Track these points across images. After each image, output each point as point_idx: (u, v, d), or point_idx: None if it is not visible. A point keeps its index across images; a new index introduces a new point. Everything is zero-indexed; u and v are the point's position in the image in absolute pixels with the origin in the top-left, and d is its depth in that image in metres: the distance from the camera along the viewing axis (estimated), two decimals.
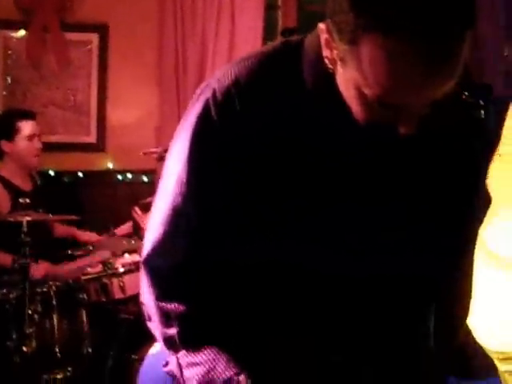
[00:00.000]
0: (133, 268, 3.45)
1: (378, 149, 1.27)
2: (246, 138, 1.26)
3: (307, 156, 1.26)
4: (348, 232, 1.30)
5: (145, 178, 4.63)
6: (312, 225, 1.28)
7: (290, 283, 1.31)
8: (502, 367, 2.06)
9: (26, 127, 3.88)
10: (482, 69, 4.30)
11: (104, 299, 3.41)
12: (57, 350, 3.22)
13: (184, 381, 1.28)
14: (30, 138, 3.88)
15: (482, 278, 2.25)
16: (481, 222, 1.47)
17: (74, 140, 4.68)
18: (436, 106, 1.15)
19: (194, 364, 1.27)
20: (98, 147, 4.71)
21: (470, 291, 1.50)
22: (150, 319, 1.36)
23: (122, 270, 3.41)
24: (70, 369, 3.23)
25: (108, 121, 4.69)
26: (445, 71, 1.09)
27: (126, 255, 3.62)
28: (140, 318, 3.51)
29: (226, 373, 1.25)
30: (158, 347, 1.54)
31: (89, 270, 3.46)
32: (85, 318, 3.31)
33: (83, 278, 3.33)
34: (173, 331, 1.30)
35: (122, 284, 3.39)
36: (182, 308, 1.29)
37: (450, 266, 1.40)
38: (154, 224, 1.33)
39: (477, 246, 1.49)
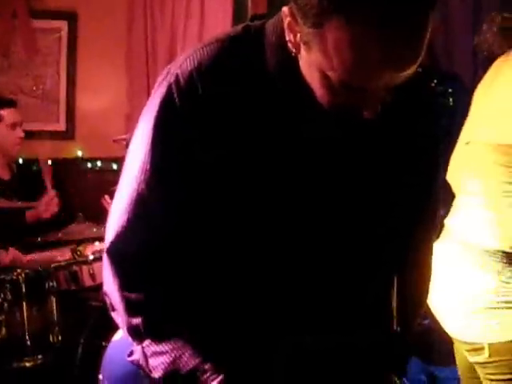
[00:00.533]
0: (102, 255, 3.43)
1: (342, 133, 1.28)
2: (209, 123, 1.26)
3: (271, 140, 1.27)
4: (309, 214, 1.31)
5: (114, 166, 4.60)
6: (275, 208, 1.29)
7: (253, 270, 1.32)
8: (470, 359, 2.09)
9: (9, 116, 3.85)
10: (452, 57, 4.33)
11: (74, 287, 3.38)
12: (27, 338, 3.20)
13: (150, 370, 1.27)
14: (13, 126, 3.85)
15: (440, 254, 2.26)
16: (438, 202, 1.51)
17: (43, 128, 4.65)
18: (402, 91, 1.16)
19: (160, 353, 1.26)
20: (68, 135, 4.69)
21: (429, 270, 1.54)
22: (113, 309, 1.35)
23: (91, 257, 3.39)
24: (40, 357, 3.22)
25: (77, 109, 4.67)
26: (407, 55, 1.10)
27: (96, 243, 3.61)
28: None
29: (192, 361, 1.25)
30: (121, 333, 1.54)
31: (58, 257, 3.43)
32: (55, 306, 3.29)
33: (52, 265, 3.31)
34: (137, 321, 1.28)
35: (91, 271, 3.38)
36: (146, 297, 1.29)
37: (408, 245, 1.43)
38: (117, 212, 1.32)
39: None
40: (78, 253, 3.38)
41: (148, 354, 1.27)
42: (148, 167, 1.28)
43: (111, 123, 4.52)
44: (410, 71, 1.12)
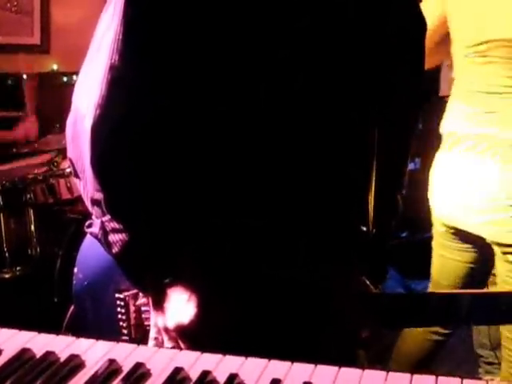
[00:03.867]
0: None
1: None
2: None
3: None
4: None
5: None
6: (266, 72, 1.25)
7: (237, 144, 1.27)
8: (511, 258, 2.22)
9: None
10: None
11: (51, 200, 3.37)
12: (5, 249, 3.23)
13: (108, 245, 1.25)
14: None
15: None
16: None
17: (18, 41, 4.56)
18: None
19: (119, 230, 1.24)
20: (42, 48, 4.60)
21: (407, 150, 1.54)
22: (76, 175, 1.31)
23: (68, 170, 3.37)
24: (18, 268, 3.25)
25: (52, 22, 4.57)
26: None
27: None
28: (88, 219, 3.51)
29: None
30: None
31: (35, 170, 3.41)
32: (32, 219, 3.30)
33: (29, 176, 3.29)
34: (99, 196, 1.24)
35: (68, 184, 3.36)
36: (117, 172, 1.24)
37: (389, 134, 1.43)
38: (92, 87, 1.24)
39: None
40: (55, 163, 3.36)
41: (107, 229, 1.25)
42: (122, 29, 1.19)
43: (87, 36, 4.38)
44: None
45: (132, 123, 1.23)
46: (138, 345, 1.08)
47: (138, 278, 1.30)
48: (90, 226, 1.30)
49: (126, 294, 1.41)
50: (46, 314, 3.04)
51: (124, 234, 1.24)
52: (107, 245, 1.26)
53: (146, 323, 1.39)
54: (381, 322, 1.36)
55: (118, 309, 1.42)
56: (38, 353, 1.04)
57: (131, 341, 1.38)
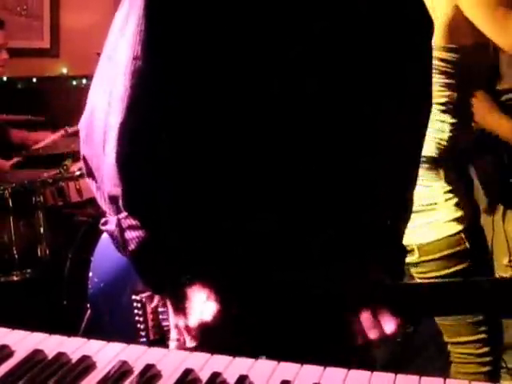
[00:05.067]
0: None
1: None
2: None
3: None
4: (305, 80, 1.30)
5: None
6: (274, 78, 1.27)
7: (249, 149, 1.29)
8: None
9: None
10: None
11: (61, 203, 3.39)
12: (14, 252, 3.24)
13: (124, 242, 1.26)
14: None
15: None
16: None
17: (27, 45, 4.59)
18: None
19: (136, 227, 1.25)
20: (52, 52, 4.63)
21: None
22: (90, 174, 1.32)
23: (78, 173, 3.39)
24: (28, 271, 3.26)
25: (61, 25, 4.60)
26: None
27: None
28: (97, 221, 3.53)
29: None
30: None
31: (44, 174, 3.43)
32: (42, 221, 3.31)
33: (39, 180, 3.31)
34: (117, 192, 1.25)
35: (78, 187, 3.38)
36: (137, 169, 1.26)
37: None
38: (114, 85, 1.26)
39: None
40: (65, 167, 3.38)
41: (124, 226, 1.26)
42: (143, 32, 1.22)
43: (96, 40, 4.41)
44: None
45: (159, 113, 1.25)
46: (156, 346, 1.08)
47: (152, 277, 1.30)
48: (105, 223, 1.30)
49: (143, 295, 1.41)
50: (56, 317, 3.06)
51: (141, 231, 1.25)
52: (123, 242, 1.26)
53: (163, 324, 1.39)
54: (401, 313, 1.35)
55: (135, 311, 1.42)
56: (50, 354, 1.05)
57: (149, 343, 1.38)
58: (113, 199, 1.26)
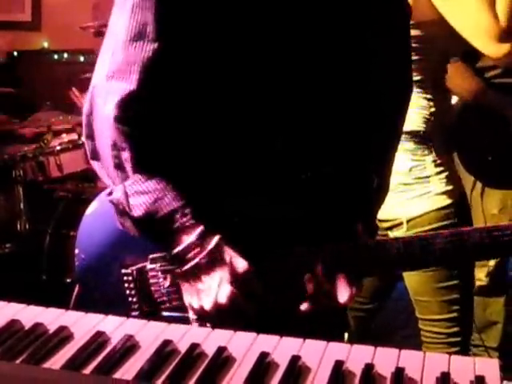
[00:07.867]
0: (70, 146, 3.41)
1: None
2: None
3: None
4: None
5: (81, 58, 4.49)
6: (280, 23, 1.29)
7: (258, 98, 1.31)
8: (391, 234, 2.20)
9: None
10: None
11: (41, 178, 3.36)
12: None
13: (129, 208, 1.26)
14: None
15: None
16: None
17: (8, 18, 4.53)
18: None
19: (142, 192, 1.26)
20: (34, 26, 4.57)
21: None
22: (95, 155, 1.33)
23: (58, 148, 3.36)
24: (7, 245, 3.23)
25: None
26: None
27: (64, 135, 3.57)
28: (77, 197, 3.48)
29: (174, 203, 1.25)
30: (93, 207, 1.54)
31: (25, 148, 3.39)
32: (22, 196, 3.28)
33: (19, 154, 3.27)
34: (125, 155, 1.27)
35: (59, 162, 3.35)
36: (139, 131, 1.28)
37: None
38: (113, 50, 1.28)
39: None
40: (45, 141, 3.34)
41: (130, 192, 1.26)
42: None
43: (78, 13, 4.39)
44: None
45: (162, 71, 1.28)
46: (149, 319, 1.08)
47: (158, 241, 1.31)
48: (110, 193, 1.31)
49: (133, 268, 1.40)
50: (34, 291, 3.04)
51: (147, 196, 1.25)
52: (129, 208, 1.26)
53: (155, 296, 1.39)
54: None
55: (126, 284, 1.41)
56: (27, 324, 1.04)
57: (142, 315, 1.38)
58: (118, 166, 1.28)
